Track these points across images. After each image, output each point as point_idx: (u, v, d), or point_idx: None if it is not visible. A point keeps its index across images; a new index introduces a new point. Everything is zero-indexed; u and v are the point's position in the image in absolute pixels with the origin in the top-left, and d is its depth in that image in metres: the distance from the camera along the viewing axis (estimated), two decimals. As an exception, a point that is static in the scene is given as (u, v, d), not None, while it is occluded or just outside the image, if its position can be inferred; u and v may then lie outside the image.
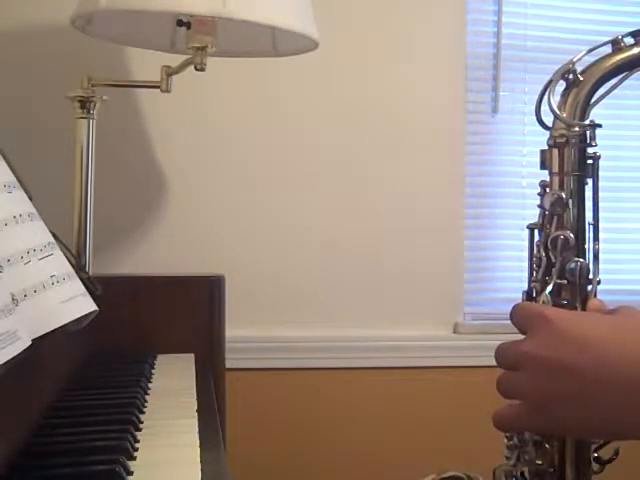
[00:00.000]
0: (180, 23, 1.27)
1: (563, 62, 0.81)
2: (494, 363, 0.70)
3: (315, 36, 1.31)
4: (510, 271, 1.88)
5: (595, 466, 0.78)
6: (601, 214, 0.80)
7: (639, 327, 0.65)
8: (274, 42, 1.43)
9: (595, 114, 0.79)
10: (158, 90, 1.34)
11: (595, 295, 0.77)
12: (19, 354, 0.65)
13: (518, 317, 0.71)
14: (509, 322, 0.72)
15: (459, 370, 1.80)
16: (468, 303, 1.87)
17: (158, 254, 1.68)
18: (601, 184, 0.80)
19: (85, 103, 1.33)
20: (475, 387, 1.76)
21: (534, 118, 0.81)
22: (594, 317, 0.71)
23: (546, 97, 0.79)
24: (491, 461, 0.85)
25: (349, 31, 1.76)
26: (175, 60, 1.34)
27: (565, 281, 0.77)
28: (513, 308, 0.72)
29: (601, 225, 0.80)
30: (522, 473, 0.80)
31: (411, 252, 1.81)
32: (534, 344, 0.66)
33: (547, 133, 0.81)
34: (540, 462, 0.78)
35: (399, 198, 1.80)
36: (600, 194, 0.80)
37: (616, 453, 0.78)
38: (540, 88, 0.80)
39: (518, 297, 0.81)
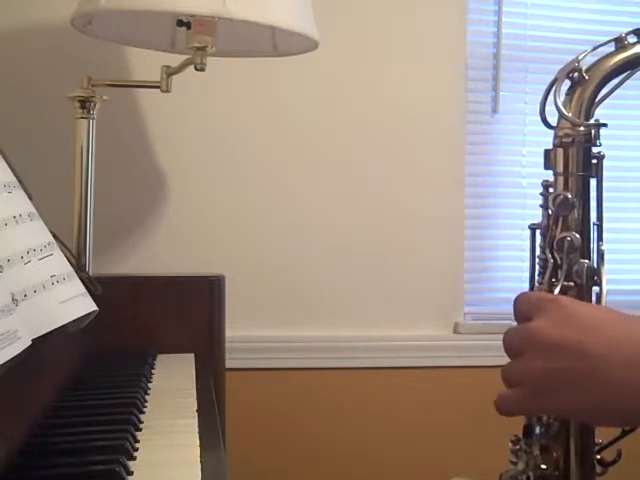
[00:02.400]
0: (180, 23, 1.27)
1: (563, 62, 0.81)
2: (494, 363, 0.70)
3: (315, 36, 1.31)
4: (510, 271, 1.88)
5: (598, 468, 0.78)
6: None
7: None
8: (274, 42, 1.43)
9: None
10: (158, 90, 1.34)
11: (601, 295, 0.77)
12: (19, 354, 0.65)
13: (526, 302, 0.70)
14: (509, 322, 0.71)
15: (459, 370, 1.80)
16: (468, 303, 1.87)
17: (158, 254, 1.68)
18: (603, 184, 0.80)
19: (85, 103, 1.33)
20: (475, 387, 1.77)
21: (534, 118, 0.80)
22: (604, 307, 0.71)
23: (551, 96, 0.78)
24: (490, 461, 0.85)
25: (349, 31, 1.76)
26: (175, 60, 1.34)
27: (572, 283, 0.77)
28: (519, 295, 0.72)
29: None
30: (528, 477, 0.79)
31: (411, 252, 1.81)
32: (543, 323, 0.66)
33: (547, 133, 0.80)
34: (545, 467, 0.78)
35: (399, 198, 1.80)
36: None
37: (619, 455, 0.78)
38: (541, 88, 0.80)
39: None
